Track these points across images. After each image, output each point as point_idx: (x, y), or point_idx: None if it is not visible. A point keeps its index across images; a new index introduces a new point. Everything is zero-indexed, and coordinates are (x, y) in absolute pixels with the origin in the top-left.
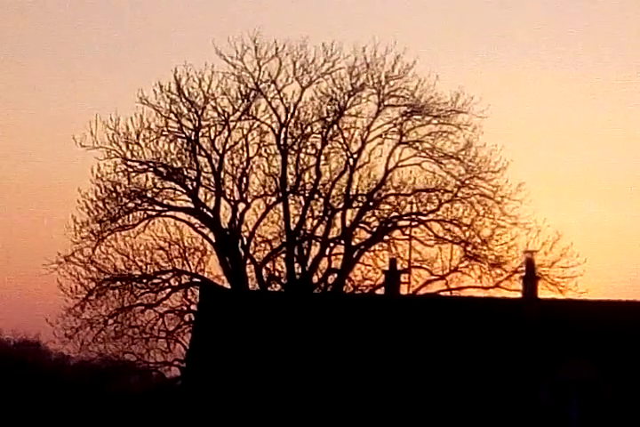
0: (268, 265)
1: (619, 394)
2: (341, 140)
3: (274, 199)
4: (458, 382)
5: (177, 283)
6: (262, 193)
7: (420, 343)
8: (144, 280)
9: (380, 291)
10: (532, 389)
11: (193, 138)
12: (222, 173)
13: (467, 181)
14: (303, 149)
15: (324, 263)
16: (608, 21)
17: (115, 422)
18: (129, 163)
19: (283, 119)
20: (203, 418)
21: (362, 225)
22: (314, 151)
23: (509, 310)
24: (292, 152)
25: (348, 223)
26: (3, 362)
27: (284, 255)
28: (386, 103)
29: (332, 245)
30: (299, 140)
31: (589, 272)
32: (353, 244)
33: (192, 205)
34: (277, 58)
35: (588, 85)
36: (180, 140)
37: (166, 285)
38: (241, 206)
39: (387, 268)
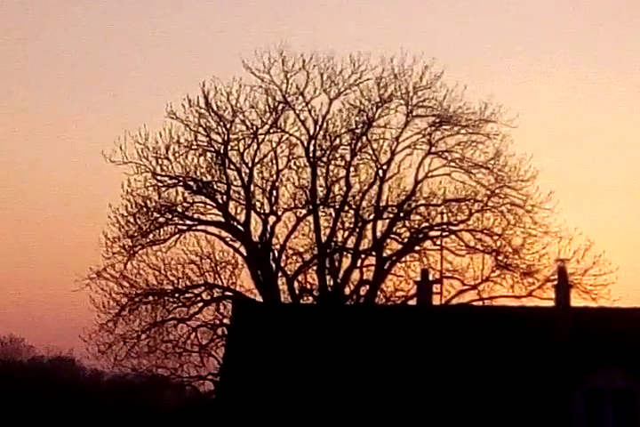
0: (299, 278)
1: None
2: (370, 152)
3: (304, 212)
4: (491, 391)
5: (209, 297)
6: (292, 206)
7: (454, 353)
8: (176, 295)
9: (413, 302)
10: (566, 398)
11: (222, 152)
12: (252, 187)
13: (497, 191)
14: (332, 161)
15: (355, 275)
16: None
17: None
18: (159, 177)
19: (311, 131)
20: None
21: (393, 236)
22: (343, 163)
23: (542, 319)
24: (322, 164)
25: (378, 235)
26: (37, 379)
27: (315, 268)
28: (414, 114)
29: (363, 256)
30: (328, 152)
31: (622, 280)
32: (384, 255)
33: (222, 219)
34: (305, 70)
35: (618, 93)
36: (209, 153)
37: (198, 299)
38: (271, 219)
39: (418, 278)
